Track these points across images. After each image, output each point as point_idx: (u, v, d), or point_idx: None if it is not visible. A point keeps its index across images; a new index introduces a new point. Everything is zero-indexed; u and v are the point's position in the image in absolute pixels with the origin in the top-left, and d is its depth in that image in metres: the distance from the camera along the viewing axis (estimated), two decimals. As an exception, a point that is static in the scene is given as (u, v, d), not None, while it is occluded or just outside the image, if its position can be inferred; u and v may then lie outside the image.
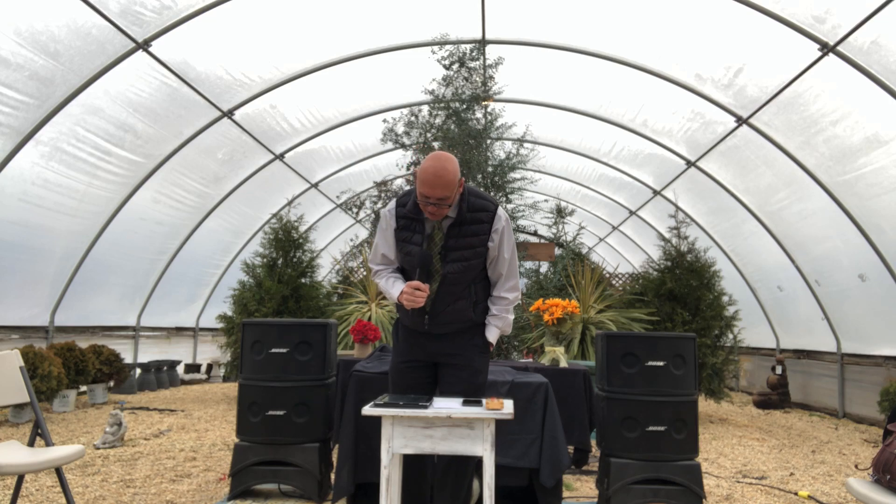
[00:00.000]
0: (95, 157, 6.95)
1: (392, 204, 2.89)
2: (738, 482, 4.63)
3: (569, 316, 4.58)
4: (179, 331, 10.61)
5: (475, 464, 3.04)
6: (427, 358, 2.93)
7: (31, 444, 3.11)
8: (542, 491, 3.45)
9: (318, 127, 9.21)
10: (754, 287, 9.91)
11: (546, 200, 11.93)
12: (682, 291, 7.54)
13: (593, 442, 4.11)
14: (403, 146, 8.37)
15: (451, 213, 2.74)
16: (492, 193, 8.16)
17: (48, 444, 3.08)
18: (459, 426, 2.43)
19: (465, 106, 7.93)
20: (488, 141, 8.29)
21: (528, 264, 9.96)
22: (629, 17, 6.82)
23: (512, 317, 2.97)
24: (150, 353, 9.73)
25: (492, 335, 2.91)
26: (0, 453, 2.80)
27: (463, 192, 2.73)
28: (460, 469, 2.91)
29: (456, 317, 2.83)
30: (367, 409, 2.46)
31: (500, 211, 2.81)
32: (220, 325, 8.49)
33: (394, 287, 2.81)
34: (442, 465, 2.91)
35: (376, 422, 2.52)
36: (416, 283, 2.67)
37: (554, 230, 11.49)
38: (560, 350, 4.44)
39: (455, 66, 7.89)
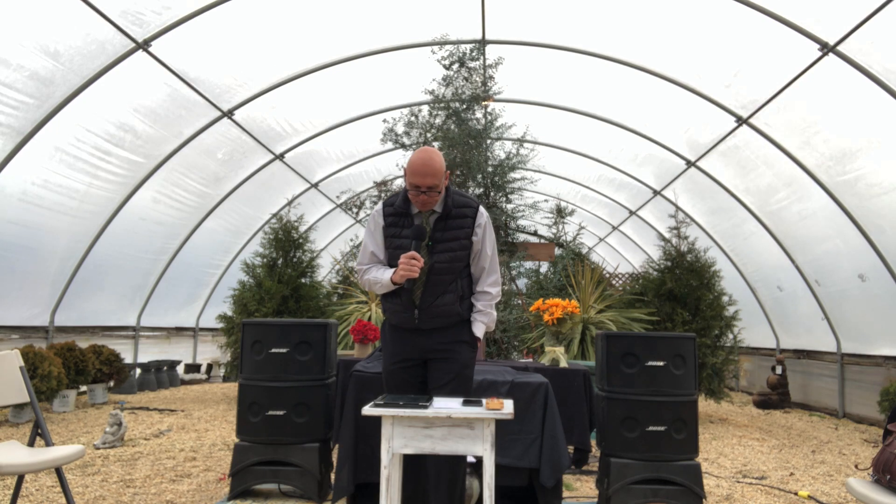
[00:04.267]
0: (96, 157, 6.95)
1: (379, 205, 3.02)
2: (738, 482, 4.63)
3: (569, 316, 4.58)
4: (179, 331, 10.61)
5: (468, 463, 3.04)
6: (417, 355, 2.98)
7: (31, 444, 3.11)
8: (542, 491, 3.45)
9: (319, 127, 9.21)
10: (754, 287, 9.91)
11: (546, 200, 11.92)
12: (682, 291, 7.54)
13: (593, 442, 4.11)
14: (403, 146, 8.36)
15: (437, 208, 2.88)
16: (492, 193, 8.17)
17: (48, 444, 3.08)
18: (459, 426, 2.43)
19: (465, 106, 7.92)
20: (488, 141, 8.29)
21: (528, 264, 9.94)
22: (629, 17, 6.82)
23: (496, 313, 3.07)
24: (150, 353, 9.73)
25: (478, 330, 2.99)
26: (0, 453, 2.80)
27: (448, 189, 2.90)
28: (453, 466, 2.93)
29: (444, 310, 2.90)
30: (367, 409, 2.45)
31: (482, 209, 2.98)
32: (220, 325, 8.49)
33: (384, 273, 2.87)
34: (435, 463, 2.93)
35: (376, 422, 2.52)
36: (411, 252, 2.75)
37: (554, 230, 11.49)
38: (560, 350, 4.44)
39: (455, 67, 7.89)
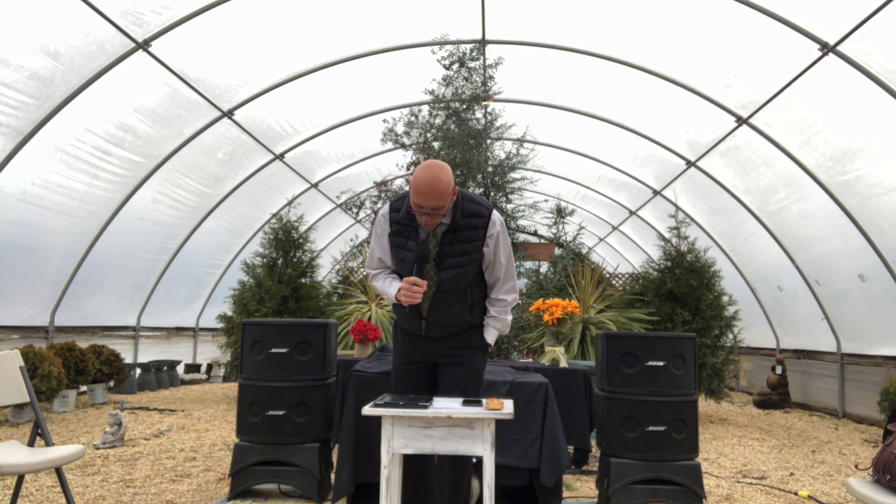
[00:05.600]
0: (96, 157, 6.95)
1: (385, 209, 2.87)
2: (738, 482, 4.63)
3: (569, 316, 4.58)
4: (179, 331, 10.61)
5: (473, 464, 3.03)
6: (426, 359, 2.94)
7: (31, 444, 3.11)
8: (542, 491, 3.45)
9: (319, 127, 9.21)
10: (754, 287, 9.90)
11: (546, 200, 11.92)
12: (682, 291, 7.54)
13: (593, 442, 4.11)
14: (403, 146, 8.37)
15: (445, 220, 2.71)
16: (492, 193, 8.16)
17: (48, 444, 3.08)
18: (459, 426, 2.43)
19: (465, 106, 7.93)
20: (488, 141, 8.29)
21: (528, 264, 9.95)
22: (629, 17, 6.82)
23: (510, 318, 2.97)
24: (150, 353, 9.73)
25: (490, 336, 2.91)
26: (0, 453, 2.80)
27: (457, 198, 2.70)
28: (458, 469, 2.91)
29: (453, 320, 2.84)
30: (367, 409, 2.45)
31: (495, 216, 2.79)
32: (220, 325, 8.49)
33: (391, 287, 2.80)
34: (440, 466, 2.91)
35: (376, 422, 2.51)
36: (413, 278, 2.65)
37: (554, 230, 11.49)
38: (560, 350, 4.43)
39: (455, 67, 7.89)
